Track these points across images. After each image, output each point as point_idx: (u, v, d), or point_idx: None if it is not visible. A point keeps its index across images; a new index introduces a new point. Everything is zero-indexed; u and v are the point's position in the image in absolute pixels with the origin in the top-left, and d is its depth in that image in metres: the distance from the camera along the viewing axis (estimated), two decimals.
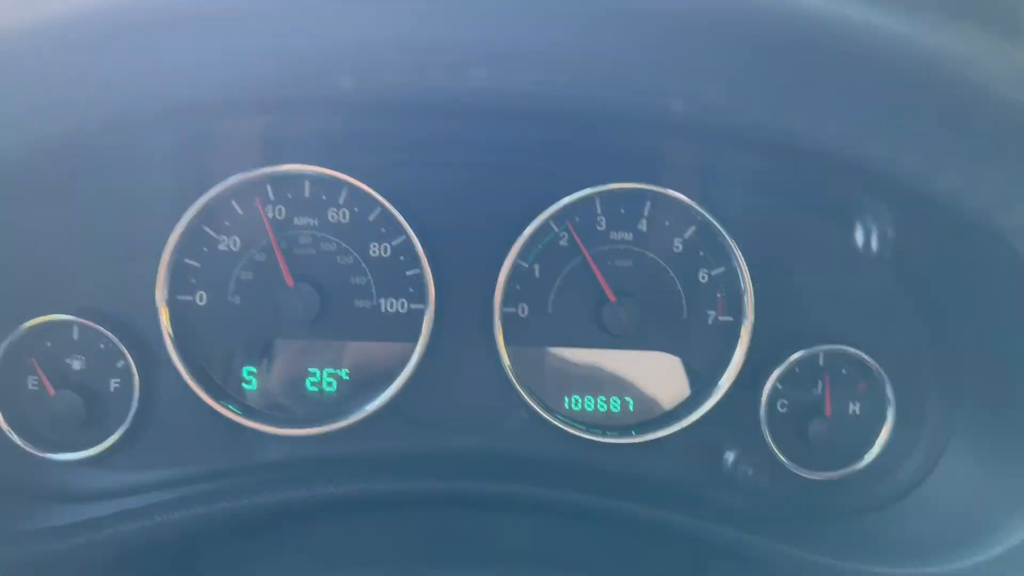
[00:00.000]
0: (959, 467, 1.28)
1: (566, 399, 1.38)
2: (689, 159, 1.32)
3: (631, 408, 1.38)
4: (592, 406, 1.38)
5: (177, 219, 1.26)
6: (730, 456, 1.31)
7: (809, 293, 1.35)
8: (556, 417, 1.34)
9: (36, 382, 1.29)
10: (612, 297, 1.31)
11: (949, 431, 1.30)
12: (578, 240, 1.32)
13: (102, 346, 1.30)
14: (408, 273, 1.33)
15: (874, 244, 1.32)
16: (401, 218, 1.29)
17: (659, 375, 1.38)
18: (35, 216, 1.27)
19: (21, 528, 1.16)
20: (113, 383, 1.31)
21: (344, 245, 1.32)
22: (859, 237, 1.32)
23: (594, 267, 1.32)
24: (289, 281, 1.28)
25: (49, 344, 1.30)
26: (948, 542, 1.16)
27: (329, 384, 1.35)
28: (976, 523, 1.16)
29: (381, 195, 1.28)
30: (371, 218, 1.32)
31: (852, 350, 1.34)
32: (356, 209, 1.32)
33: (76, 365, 1.30)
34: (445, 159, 1.32)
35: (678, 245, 1.35)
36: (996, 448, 1.22)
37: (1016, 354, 1.17)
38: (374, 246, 1.32)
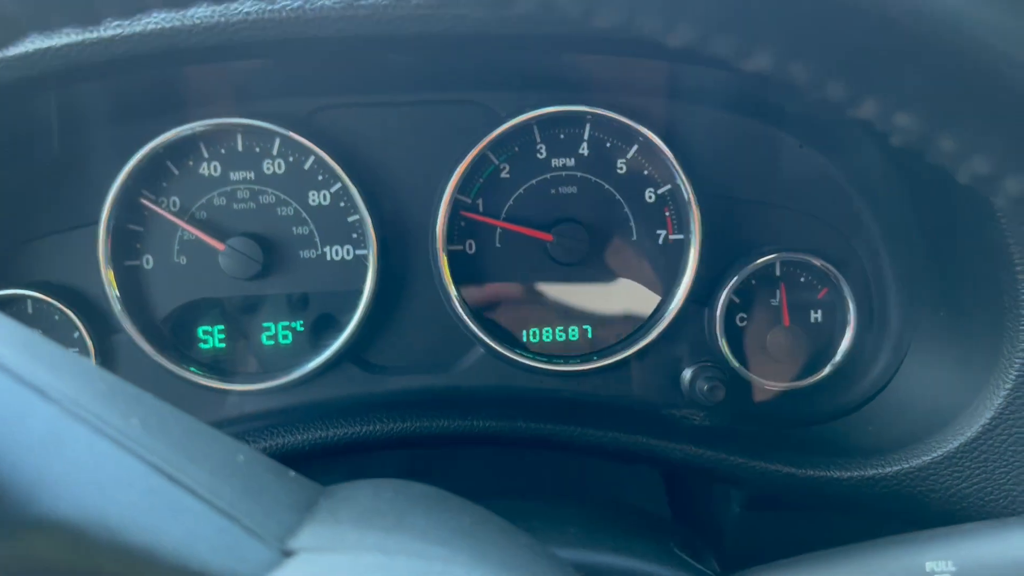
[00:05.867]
0: (921, 370, 1.25)
1: (524, 332, 1.36)
2: (625, 78, 1.28)
3: (590, 335, 1.36)
4: (551, 336, 1.37)
5: (111, 183, 1.26)
6: (687, 373, 1.29)
7: (760, 203, 1.32)
8: (515, 351, 1.33)
9: None
10: (548, 237, 1.29)
11: (911, 334, 1.27)
12: None
13: (56, 318, 1.31)
14: (350, 219, 1.31)
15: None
16: (335, 164, 1.27)
17: (615, 299, 1.36)
18: None
19: None
20: None
21: (283, 196, 1.31)
22: None
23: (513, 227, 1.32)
24: (219, 246, 1.27)
25: None
26: (909, 443, 1.14)
27: (285, 337, 1.35)
28: (935, 422, 1.14)
29: (313, 142, 1.26)
30: (307, 166, 1.30)
31: (808, 257, 1.31)
32: (291, 159, 1.30)
33: None
34: (375, 99, 1.30)
35: (621, 166, 1.32)
36: (954, 347, 1.19)
37: (965, 254, 1.14)
38: (313, 194, 1.31)
